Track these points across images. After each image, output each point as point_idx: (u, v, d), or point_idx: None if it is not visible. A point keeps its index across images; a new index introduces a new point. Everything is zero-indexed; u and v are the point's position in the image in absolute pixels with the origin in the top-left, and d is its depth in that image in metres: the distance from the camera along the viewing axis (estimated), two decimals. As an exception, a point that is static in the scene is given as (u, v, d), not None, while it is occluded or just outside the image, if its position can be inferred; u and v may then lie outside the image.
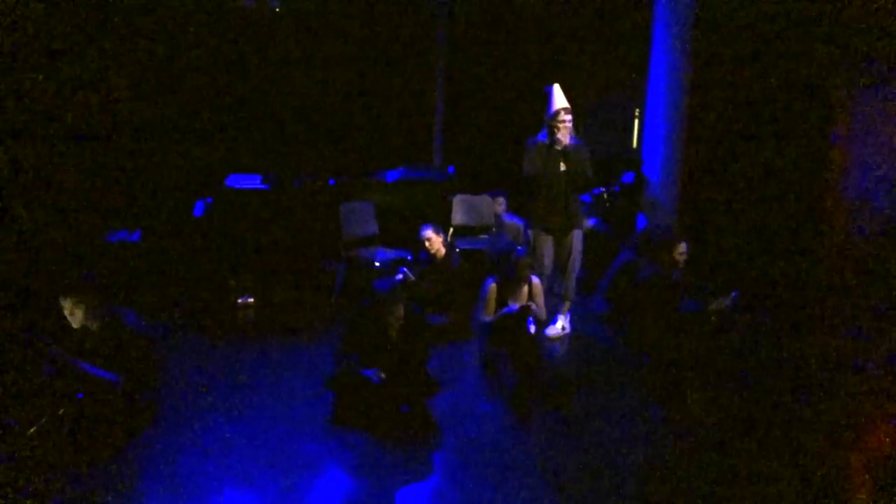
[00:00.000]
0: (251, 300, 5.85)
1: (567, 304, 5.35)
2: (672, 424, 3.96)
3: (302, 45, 8.59)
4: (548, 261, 5.19)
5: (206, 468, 3.38)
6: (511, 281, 4.72)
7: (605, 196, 7.27)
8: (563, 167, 5.07)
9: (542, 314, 4.90)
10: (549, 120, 5.04)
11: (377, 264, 5.94)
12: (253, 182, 6.86)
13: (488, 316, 4.76)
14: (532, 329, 4.77)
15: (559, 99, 5.01)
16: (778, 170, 7.89)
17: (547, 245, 5.17)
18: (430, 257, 5.44)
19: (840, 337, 5.49)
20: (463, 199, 6.90)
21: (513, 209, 7.16)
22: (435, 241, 5.41)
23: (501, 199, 7.12)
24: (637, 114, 8.92)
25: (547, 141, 5.06)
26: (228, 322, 5.52)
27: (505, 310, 4.61)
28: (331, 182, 7.10)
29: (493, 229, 6.84)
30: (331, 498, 3.24)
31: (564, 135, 5.02)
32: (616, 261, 5.88)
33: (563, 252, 5.20)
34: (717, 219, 7.79)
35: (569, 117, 5.01)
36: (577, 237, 5.21)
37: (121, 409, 3.60)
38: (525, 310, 4.56)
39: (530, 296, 4.81)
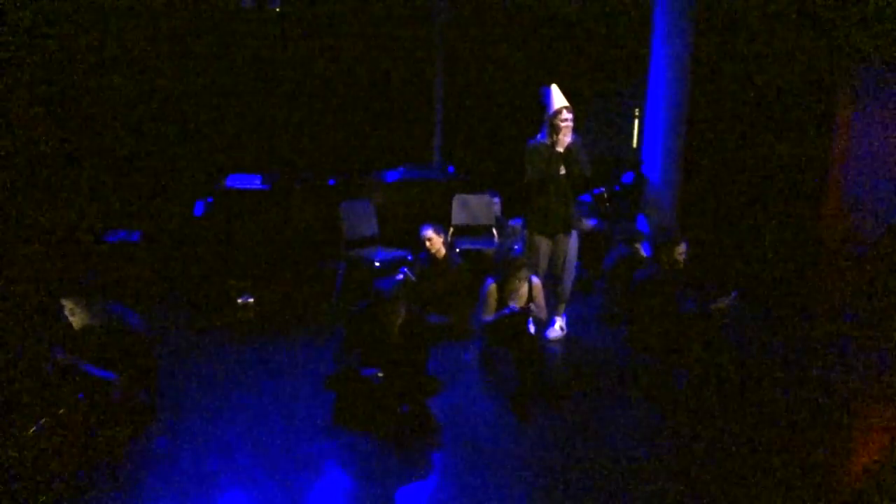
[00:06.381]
0: (251, 300, 5.86)
1: (562, 306, 5.34)
2: (672, 425, 3.96)
3: (302, 45, 8.60)
4: (543, 262, 5.16)
5: (206, 468, 3.39)
6: (511, 281, 4.72)
7: (605, 196, 7.27)
8: (562, 171, 5.02)
9: (543, 314, 4.90)
10: (550, 119, 4.96)
11: (377, 264, 5.94)
12: (253, 182, 6.86)
13: (488, 316, 4.76)
14: (532, 329, 4.77)
15: (558, 98, 4.94)
16: (778, 170, 7.89)
17: (543, 247, 5.15)
18: (430, 257, 5.44)
19: (840, 337, 5.48)
20: (463, 199, 6.91)
21: (508, 210, 7.16)
22: (435, 241, 5.41)
23: (497, 201, 7.12)
24: (637, 114, 8.92)
25: (547, 141, 5.01)
26: (228, 322, 5.52)
27: (505, 310, 4.61)
28: (331, 182, 7.10)
29: (495, 231, 6.83)
30: (331, 498, 3.24)
31: (566, 134, 4.94)
32: (610, 256, 5.89)
33: (559, 254, 5.17)
34: (717, 219, 7.79)
35: (570, 116, 4.92)
36: (572, 239, 5.18)
37: (121, 409, 3.60)
38: (525, 311, 4.56)
39: (530, 296, 4.81)
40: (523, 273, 4.72)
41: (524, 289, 4.79)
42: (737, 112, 8.08)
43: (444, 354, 4.79)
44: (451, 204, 6.84)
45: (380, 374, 3.81)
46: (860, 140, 7.47)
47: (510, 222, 6.97)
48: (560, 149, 4.97)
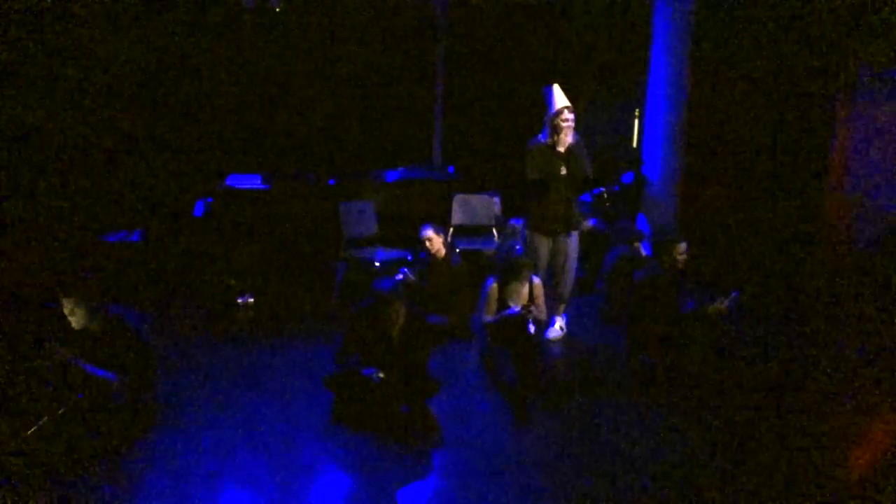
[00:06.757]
0: (251, 300, 5.86)
1: (563, 306, 5.34)
2: (672, 424, 3.96)
3: (302, 45, 8.59)
4: (544, 263, 5.16)
5: (206, 468, 3.39)
6: (512, 281, 4.71)
7: (605, 196, 7.27)
8: (563, 171, 5.01)
9: (543, 315, 4.89)
10: (551, 119, 4.95)
11: (377, 264, 5.94)
12: (253, 182, 6.87)
13: (489, 316, 4.76)
14: (532, 329, 4.76)
15: (560, 98, 4.93)
16: (778, 169, 7.89)
17: (543, 247, 5.14)
18: (430, 257, 5.43)
19: (840, 337, 5.48)
20: (463, 199, 6.90)
21: (508, 210, 7.15)
22: (435, 241, 5.41)
23: (496, 200, 7.11)
24: (637, 114, 8.91)
25: (548, 141, 5.00)
26: (228, 322, 5.52)
27: (506, 311, 4.61)
28: (331, 182, 7.10)
29: (495, 231, 6.82)
30: (331, 498, 3.24)
31: (567, 134, 4.93)
32: (609, 255, 5.89)
33: (559, 255, 5.17)
34: (717, 219, 7.78)
35: (571, 116, 4.91)
36: (573, 240, 5.18)
37: (121, 409, 3.60)
38: (526, 312, 4.55)
39: (531, 296, 4.81)
40: (525, 274, 4.72)
41: (525, 289, 4.78)
42: (737, 112, 8.07)
43: (444, 354, 4.79)
44: (451, 204, 6.84)
45: (380, 374, 3.81)
46: (860, 140, 7.47)
47: (510, 222, 6.96)
48: (561, 149, 4.96)
